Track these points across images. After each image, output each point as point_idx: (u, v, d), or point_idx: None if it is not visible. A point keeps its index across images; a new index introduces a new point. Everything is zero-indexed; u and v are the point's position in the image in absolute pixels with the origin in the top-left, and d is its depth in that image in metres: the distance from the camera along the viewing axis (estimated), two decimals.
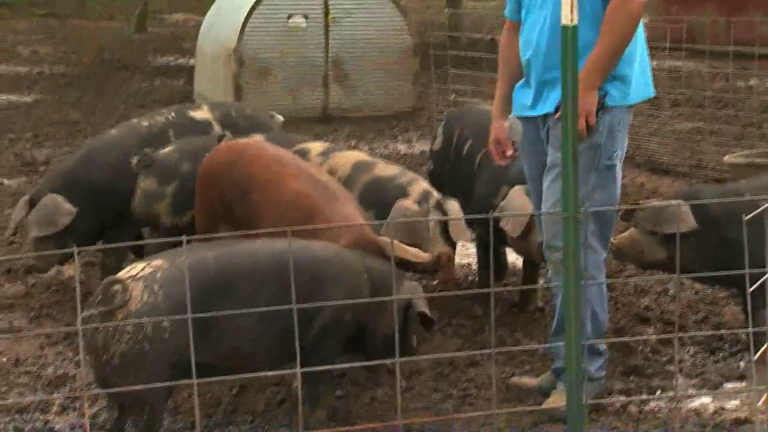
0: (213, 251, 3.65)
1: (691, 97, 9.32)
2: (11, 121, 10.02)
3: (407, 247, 4.11)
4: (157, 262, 3.53)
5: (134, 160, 5.03)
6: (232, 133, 5.28)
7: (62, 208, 5.16)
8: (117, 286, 3.41)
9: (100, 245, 5.41)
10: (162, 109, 6.02)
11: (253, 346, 3.59)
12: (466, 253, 5.86)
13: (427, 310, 3.88)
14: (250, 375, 2.54)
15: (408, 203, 4.55)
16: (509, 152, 4.16)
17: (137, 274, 3.48)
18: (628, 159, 8.54)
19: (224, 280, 3.57)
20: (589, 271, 3.90)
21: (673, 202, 4.46)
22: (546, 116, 4.01)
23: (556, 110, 3.90)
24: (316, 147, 4.96)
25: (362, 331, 3.82)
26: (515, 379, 4.34)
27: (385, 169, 4.74)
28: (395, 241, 4.08)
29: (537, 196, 4.17)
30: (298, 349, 2.40)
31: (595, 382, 4.08)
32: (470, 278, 5.78)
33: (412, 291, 3.88)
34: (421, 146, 9.06)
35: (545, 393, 4.18)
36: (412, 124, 9.93)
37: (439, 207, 4.55)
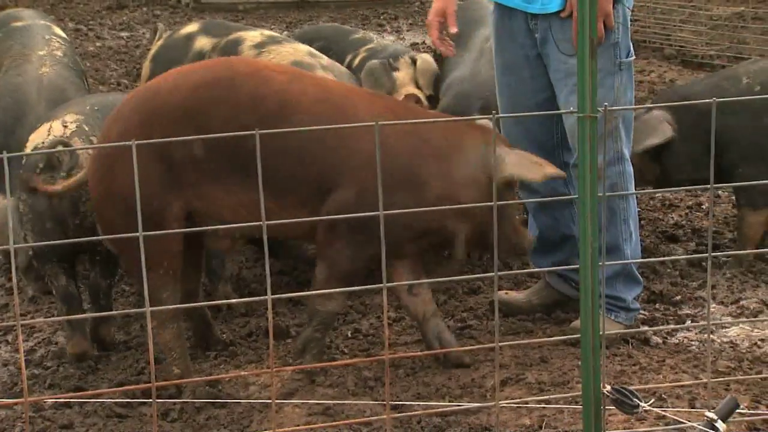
0: None
1: None
2: None
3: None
4: (68, 117, 3.92)
5: None
6: None
7: None
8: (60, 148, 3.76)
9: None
10: None
11: None
12: None
13: None
14: (215, 303, 2.56)
15: (374, 61, 5.00)
16: (453, 29, 4.09)
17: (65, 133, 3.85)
18: (657, 50, 8.56)
19: None
20: (627, 184, 4.01)
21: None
22: (539, 15, 4.01)
23: (563, 8, 3.94)
24: (252, 37, 4.88)
25: None
26: (501, 294, 4.41)
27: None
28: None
29: (509, 91, 4.18)
30: (268, 273, 2.42)
31: (631, 313, 4.16)
32: None
33: None
34: (412, 37, 9.00)
35: (535, 309, 4.34)
36: (402, 11, 9.88)
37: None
